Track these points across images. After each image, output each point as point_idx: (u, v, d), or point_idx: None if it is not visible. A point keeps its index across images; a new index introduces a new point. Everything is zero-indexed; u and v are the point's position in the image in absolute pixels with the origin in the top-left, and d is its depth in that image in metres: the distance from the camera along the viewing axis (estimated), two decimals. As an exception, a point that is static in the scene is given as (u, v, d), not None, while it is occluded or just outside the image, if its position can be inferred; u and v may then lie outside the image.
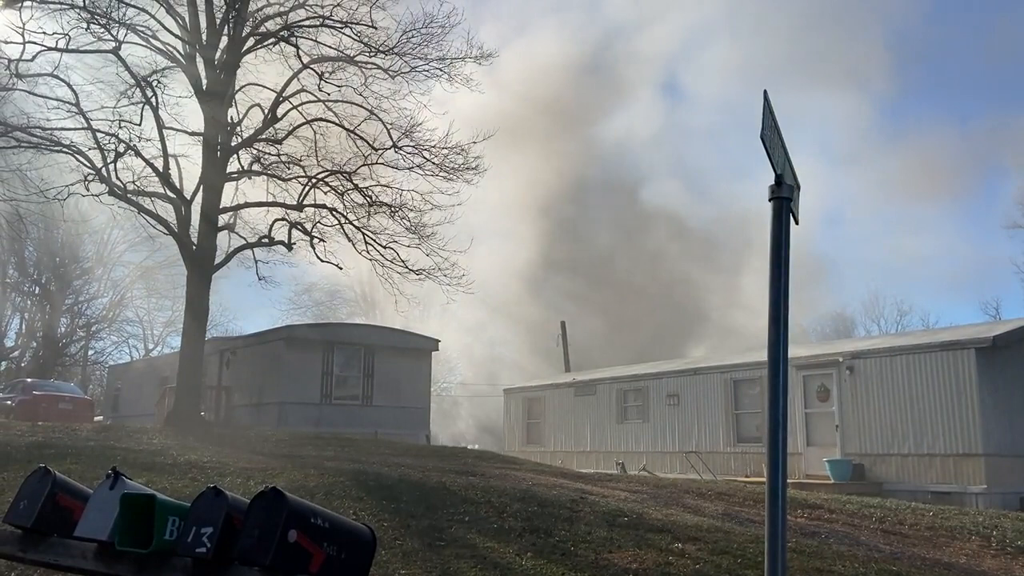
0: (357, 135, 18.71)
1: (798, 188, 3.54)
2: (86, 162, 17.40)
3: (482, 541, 7.01)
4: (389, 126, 18.59)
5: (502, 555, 6.60)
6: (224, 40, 18.47)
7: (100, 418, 30.59)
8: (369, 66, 18.49)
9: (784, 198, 3.31)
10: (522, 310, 47.21)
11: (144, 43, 18.05)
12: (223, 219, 19.24)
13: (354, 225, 18.91)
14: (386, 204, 18.70)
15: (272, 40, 18.50)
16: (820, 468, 18.22)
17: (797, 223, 3.50)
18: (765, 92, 3.28)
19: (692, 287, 48.46)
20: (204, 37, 18.45)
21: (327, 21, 18.05)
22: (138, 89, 17.67)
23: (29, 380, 28.40)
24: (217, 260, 19.01)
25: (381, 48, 18.21)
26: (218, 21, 18.41)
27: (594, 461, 23.68)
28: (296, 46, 17.82)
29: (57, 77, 17.28)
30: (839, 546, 8.26)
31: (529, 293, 48.31)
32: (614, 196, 57.05)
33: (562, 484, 11.14)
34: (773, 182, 3.32)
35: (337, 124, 18.94)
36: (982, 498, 15.77)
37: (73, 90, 17.47)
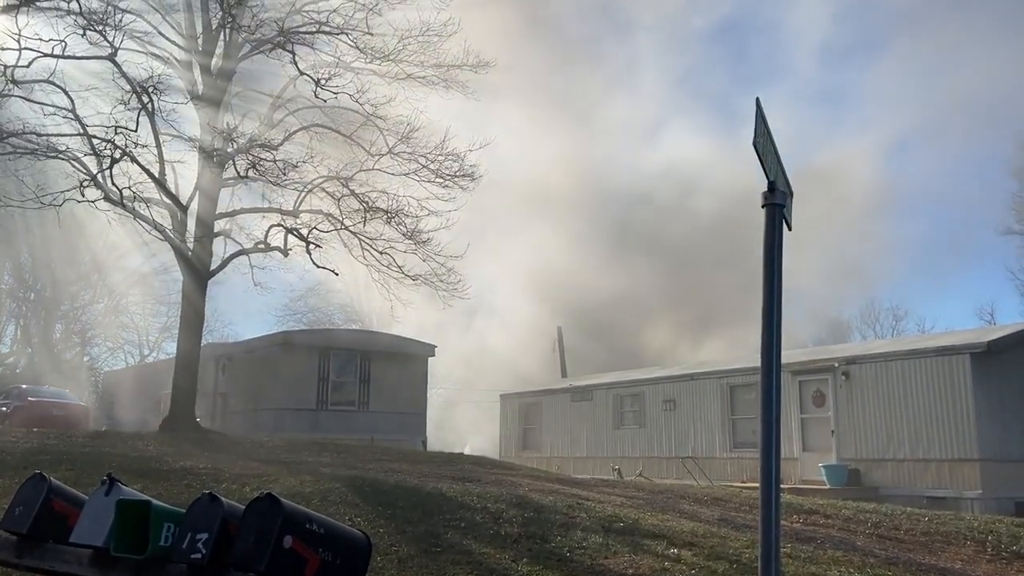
0: (354, 141, 18.74)
1: (791, 195, 3.59)
2: (82, 168, 17.38)
3: (478, 547, 7.01)
4: (385, 132, 18.62)
5: (498, 561, 6.61)
6: (220, 46, 18.50)
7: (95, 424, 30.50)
8: (366, 72, 18.55)
9: (777, 204, 3.37)
10: (522, 312, 46.96)
11: (141, 49, 18.09)
12: (219, 225, 19.24)
13: (350, 231, 18.91)
14: (382, 210, 18.71)
15: (268, 46, 18.52)
16: (816, 473, 18.23)
17: (790, 229, 3.54)
18: (757, 100, 3.33)
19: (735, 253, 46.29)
20: (200, 43, 18.48)
21: (323, 27, 18.09)
22: (135, 95, 17.66)
23: (24, 386, 28.27)
24: (213, 266, 19.01)
25: (377, 55, 18.26)
26: (214, 27, 18.43)
27: (590, 467, 23.67)
28: (292, 52, 17.84)
29: (53, 83, 17.26)
30: (834, 551, 8.27)
31: (528, 296, 48.12)
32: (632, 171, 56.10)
33: (558, 490, 11.14)
34: (766, 189, 3.38)
35: (333, 130, 18.96)
36: (977, 503, 15.80)
37: (69, 96, 17.43)
